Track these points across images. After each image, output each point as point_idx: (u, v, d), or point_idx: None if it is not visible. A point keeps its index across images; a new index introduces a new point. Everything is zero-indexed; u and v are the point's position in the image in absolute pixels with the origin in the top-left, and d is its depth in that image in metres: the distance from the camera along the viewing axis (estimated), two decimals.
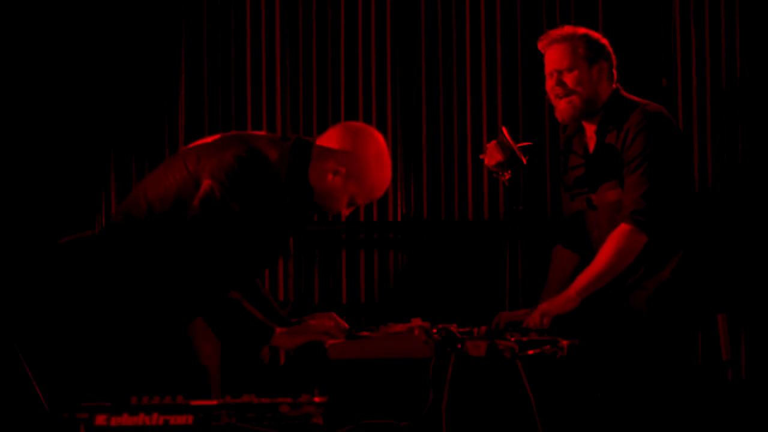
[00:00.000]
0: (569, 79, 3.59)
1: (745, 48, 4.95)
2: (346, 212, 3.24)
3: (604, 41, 3.67)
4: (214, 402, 2.55)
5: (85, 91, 4.97)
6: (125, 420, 2.53)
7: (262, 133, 3.31)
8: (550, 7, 5.03)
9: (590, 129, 3.68)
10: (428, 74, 5.06)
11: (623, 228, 3.48)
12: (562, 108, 3.63)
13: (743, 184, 4.92)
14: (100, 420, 2.52)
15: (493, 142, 3.60)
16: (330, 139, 3.21)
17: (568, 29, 3.66)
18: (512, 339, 2.99)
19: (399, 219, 5.05)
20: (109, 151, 5.02)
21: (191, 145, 3.31)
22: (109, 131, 5.01)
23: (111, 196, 5.00)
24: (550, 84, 3.63)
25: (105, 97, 4.99)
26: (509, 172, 3.58)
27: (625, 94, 3.66)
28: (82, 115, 4.97)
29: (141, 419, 2.53)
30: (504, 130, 3.58)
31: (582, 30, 3.66)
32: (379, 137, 3.24)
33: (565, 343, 3.02)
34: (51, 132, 4.94)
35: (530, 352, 2.94)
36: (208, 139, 3.26)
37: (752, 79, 4.94)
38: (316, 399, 2.56)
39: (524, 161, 3.56)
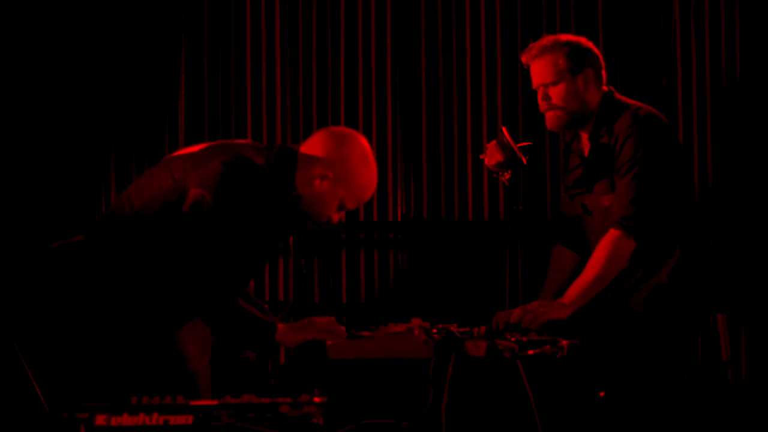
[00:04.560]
0: (554, 93, 3.58)
1: (745, 48, 4.95)
2: (336, 218, 3.24)
3: (589, 45, 3.60)
4: (214, 402, 2.55)
5: (85, 90, 4.97)
6: (125, 420, 2.53)
7: (248, 141, 3.31)
8: (550, 7, 5.04)
9: (585, 135, 3.68)
10: (428, 74, 5.07)
11: (612, 234, 3.47)
12: (549, 119, 3.63)
13: (743, 184, 4.92)
14: (100, 420, 2.52)
15: (493, 142, 3.59)
16: (314, 145, 3.21)
17: (548, 40, 3.60)
18: (512, 339, 2.99)
19: (399, 219, 5.05)
20: (109, 151, 5.02)
21: (176, 153, 3.30)
22: (109, 131, 5.01)
23: (111, 196, 5.00)
24: (538, 97, 3.64)
25: (105, 96, 4.99)
26: (509, 172, 3.58)
27: (618, 96, 3.63)
28: (82, 114, 4.97)
29: (141, 419, 2.53)
30: (504, 130, 3.58)
31: (564, 38, 3.60)
32: (363, 140, 3.24)
33: (565, 343, 3.02)
34: (51, 132, 4.94)
35: (530, 352, 2.95)
36: (194, 149, 3.25)
37: (752, 78, 4.94)
38: (316, 399, 2.56)
39: (524, 161, 3.56)
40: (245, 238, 3.14)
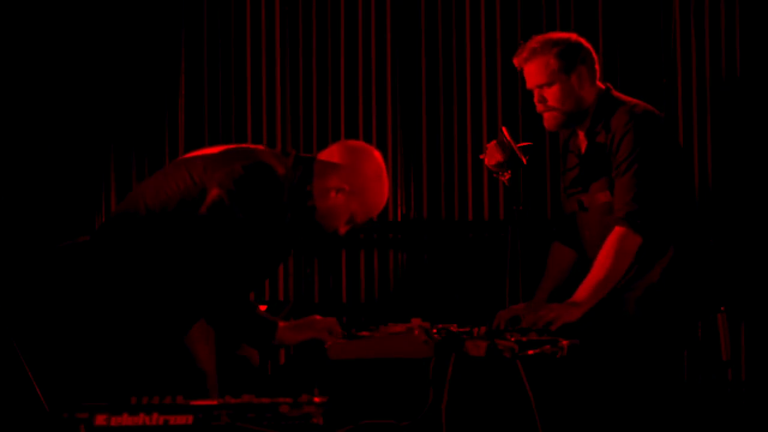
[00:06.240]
0: (549, 95, 3.57)
1: (745, 47, 4.96)
2: (343, 231, 3.25)
3: (580, 41, 3.59)
4: (214, 402, 2.55)
5: (85, 90, 4.97)
6: (125, 420, 2.53)
7: (263, 147, 3.32)
8: (550, 7, 5.04)
9: (581, 131, 3.68)
10: (428, 74, 5.07)
11: (618, 230, 3.46)
12: (546, 119, 3.63)
13: (743, 184, 4.92)
14: (100, 420, 2.52)
15: (493, 142, 3.60)
16: (331, 156, 3.23)
17: (536, 42, 3.57)
18: (512, 339, 3.00)
19: (399, 219, 5.05)
20: (109, 151, 5.02)
21: (194, 153, 3.30)
22: (109, 131, 5.01)
23: (111, 196, 5.00)
24: (534, 98, 3.63)
25: (105, 96, 4.99)
26: (509, 172, 3.58)
27: (615, 93, 3.62)
28: (82, 115, 4.97)
29: (141, 419, 2.53)
30: (504, 130, 3.58)
31: (553, 37, 3.58)
32: (379, 156, 3.27)
33: (565, 343, 3.02)
34: (51, 132, 4.94)
35: (530, 352, 2.95)
36: (213, 150, 3.26)
37: (752, 78, 4.94)
38: (316, 399, 2.56)
39: (524, 161, 3.56)
40: (257, 244, 3.14)
